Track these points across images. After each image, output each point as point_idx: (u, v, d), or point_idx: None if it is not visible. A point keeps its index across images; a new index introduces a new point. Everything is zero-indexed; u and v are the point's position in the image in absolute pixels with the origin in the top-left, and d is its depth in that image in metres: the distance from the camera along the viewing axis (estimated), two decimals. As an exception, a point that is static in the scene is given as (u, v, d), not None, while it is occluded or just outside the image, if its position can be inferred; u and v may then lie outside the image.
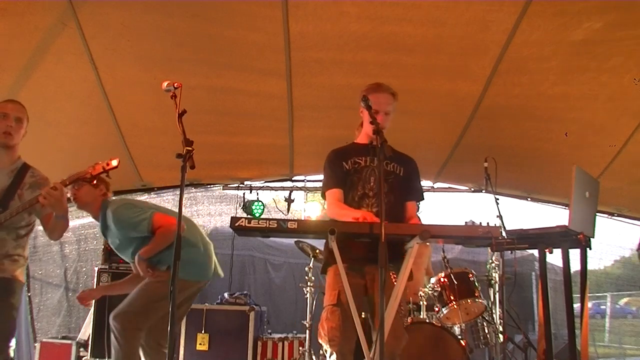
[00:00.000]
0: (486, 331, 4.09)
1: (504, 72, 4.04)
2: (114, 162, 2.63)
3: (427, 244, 3.88)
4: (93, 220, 6.19)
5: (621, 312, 12.06)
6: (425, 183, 5.65)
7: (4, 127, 2.75)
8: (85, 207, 3.41)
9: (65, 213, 2.74)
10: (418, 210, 3.03)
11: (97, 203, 3.38)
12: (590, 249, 3.59)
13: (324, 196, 2.97)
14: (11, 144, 2.81)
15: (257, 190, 5.98)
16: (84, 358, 4.75)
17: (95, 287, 3.42)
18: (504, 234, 3.50)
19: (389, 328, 2.50)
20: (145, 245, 3.20)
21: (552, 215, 6.22)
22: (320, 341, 2.74)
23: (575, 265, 3.64)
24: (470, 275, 4.07)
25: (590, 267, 4.18)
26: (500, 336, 4.03)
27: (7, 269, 2.70)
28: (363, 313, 3.44)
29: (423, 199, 3.02)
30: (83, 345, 4.91)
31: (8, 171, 2.80)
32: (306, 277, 4.62)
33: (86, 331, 5.00)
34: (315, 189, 6.41)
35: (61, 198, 2.62)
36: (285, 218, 5.05)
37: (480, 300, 4.00)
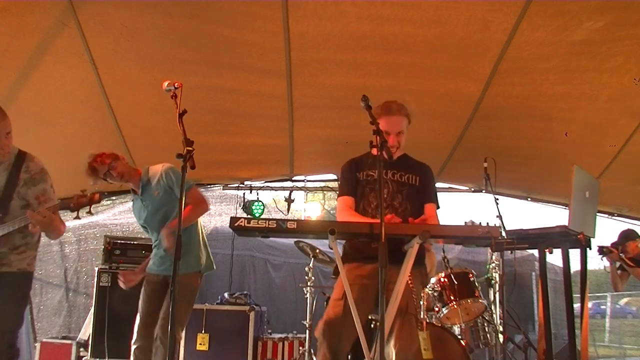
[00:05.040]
0: (486, 331, 4.08)
1: (504, 72, 4.04)
2: (97, 197, 2.62)
3: (433, 252, 3.90)
4: (93, 220, 6.26)
5: (621, 312, 12.06)
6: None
7: None
8: (128, 178, 3.41)
9: (55, 230, 2.71)
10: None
11: (136, 171, 3.48)
12: (590, 249, 3.59)
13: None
14: (4, 158, 2.72)
15: (257, 190, 5.98)
16: (84, 358, 4.75)
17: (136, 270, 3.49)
18: (503, 234, 3.51)
19: (389, 328, 2.51)
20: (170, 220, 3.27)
21: (552, 215, 6.22)
22: (315, 335, 2.74)
23: (575, 265, 3.65)
24: (470, 275, 4.07)
25: (590, 267, 4.18)
26: (500, 336, 4.03)
27: (13, 262, 2.68)
28: (372, 315, 3.46)
29: (439, 206, 3.00)
30: (83, 345, 4.92)
31: (3, 168, 2.72)
32: (306, 277, 4.62)
33: (86, 331, 5.00)
34: (315, 189, 6.41)
35: (49, 222, 2.59)
36: (285, 218, 5.05)
37: (480, 300, 4.00)
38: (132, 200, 3.59)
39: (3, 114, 2.67)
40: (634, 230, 4.90)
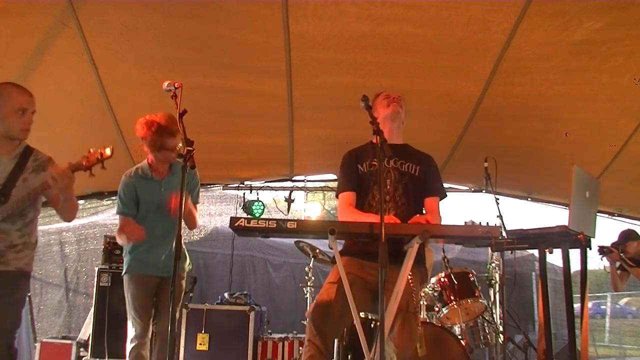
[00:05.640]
0: (486, 331, 4.08)
1: (504, 72, 4.04)
2: (108, 151, 2.56)
3: (431, 250, 3.90)
4: (93, 220, 6.26)
5: (621, 312, 12.07)
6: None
7: (23, 124, 2.69)
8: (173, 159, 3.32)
9: (72, 196, 2.67)
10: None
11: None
12: (590, 249, 3.59)
13: (338, 197, 2.97)
14: (26, 138, 2.76)
15: (257, 190, 5.99)
16: (84, 358, 4.75)
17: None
18: (504, 234, 3.51)
19: (389, 327, 2.51)
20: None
21: (552, 215, 6.22)
22: (306, 315, 2.74)
23: (575, 265, 3.65)
24: (471, 275, 4.07)
25: (590, 267, 4.18)
26: (500, 336, 4.03)
27: (11, 261, 2.64)
28: (372, 315, 3.46)
29: (444, 196, 2.96)
30: (83, 345, 4.92)
31: (11, 157, 2.73)
32: (306, 277, 4.62)
33: (86, 331, 5.00)
34: (315, 189, 6.41)
35: (70, 182, 2.55)
36: (285, 218, 5.05)
37: (480, 300, 4.00)
38: (143, 178, 3.30)
39: (30, 93, 2.74)
40: (634, 231, 4.90)
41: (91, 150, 2.57)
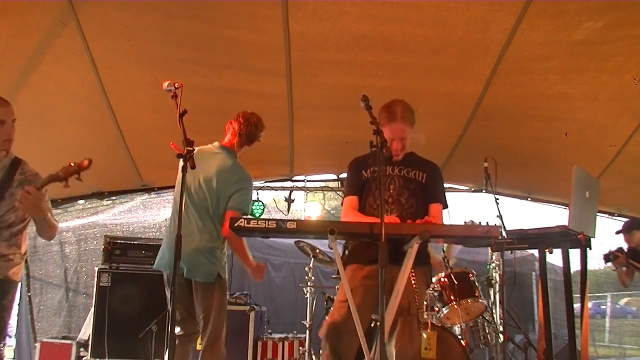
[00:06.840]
0: (486, 331, 4.08)
1: (504, 72, 4.04)
2: (85, 162, 2.50)
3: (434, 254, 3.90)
4: (93, 220, 6.25)
5: (621, 312, 12.08)
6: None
7: (5, 135, 2.65)
8: None
9: (44, 216, 2.62)
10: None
11: None
12: (590, 249, 3.59)
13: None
14: (10, 148, 2.73)
15: (257, 190, 5.98)
16: (84, 358, 4.75)
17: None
18: (504, 234, 3.51)
19: (389, 328, 2.51)
20: None
21: (552, 215, 6.22)
22: (320, 335, 2.74)
23: (575, 265, 3.65)
24: (471, 275, 4.06)
25: (590, 267, 4.18)
26: (500, 336, 4.02)
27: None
28: (372, 315, 3.46)
29: (447, 206, 2.97)
30: (83, 345, 4.91)
31: None
32: (306, 277, 4.62)
33: (86, 331, 5.00)
34: (315, 189, 6.41)
35: (37, 202, 2.50)
36: (285, 218, 5.04)
37: (480, 300, 4.00)
38: None
39: (6, 102, 2.67)
40: (639, 220, 4.89)
41: (71, 163, 2.52)
